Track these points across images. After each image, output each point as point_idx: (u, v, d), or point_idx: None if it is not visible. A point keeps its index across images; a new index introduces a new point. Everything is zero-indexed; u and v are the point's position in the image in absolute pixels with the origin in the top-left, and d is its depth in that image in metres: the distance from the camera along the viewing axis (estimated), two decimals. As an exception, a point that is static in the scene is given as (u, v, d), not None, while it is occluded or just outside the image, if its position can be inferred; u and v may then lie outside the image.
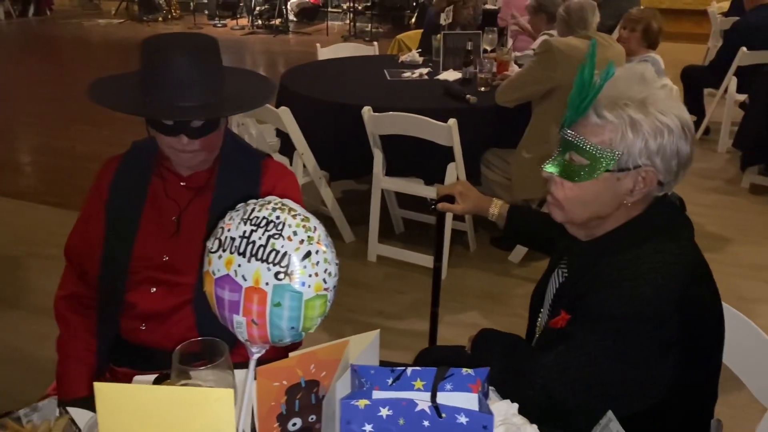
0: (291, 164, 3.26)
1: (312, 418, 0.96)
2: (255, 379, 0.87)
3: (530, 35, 4.35)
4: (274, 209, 0.86)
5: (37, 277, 3.20)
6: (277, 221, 0.85)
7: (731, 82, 4.82)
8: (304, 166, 3.26)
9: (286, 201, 0.88)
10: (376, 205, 3.29)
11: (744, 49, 4.62)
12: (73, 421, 1.05)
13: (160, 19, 11.40)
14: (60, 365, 1.53)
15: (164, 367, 1.41)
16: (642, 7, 4.39)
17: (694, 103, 4.98)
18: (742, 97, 4.80)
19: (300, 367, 0.91)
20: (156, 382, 1.15)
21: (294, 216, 0.86)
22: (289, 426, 0.94)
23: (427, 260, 3.30)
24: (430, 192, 3.23)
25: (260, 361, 0.90)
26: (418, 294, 3.15)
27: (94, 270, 1.52)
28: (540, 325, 1.40)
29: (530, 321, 1.47)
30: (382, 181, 3.23)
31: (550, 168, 1.21)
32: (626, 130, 1.11)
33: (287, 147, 3.31)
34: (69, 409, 1.08)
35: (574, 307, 1.19)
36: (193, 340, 0.98)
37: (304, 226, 0.85)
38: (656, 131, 1.11)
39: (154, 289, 1.47)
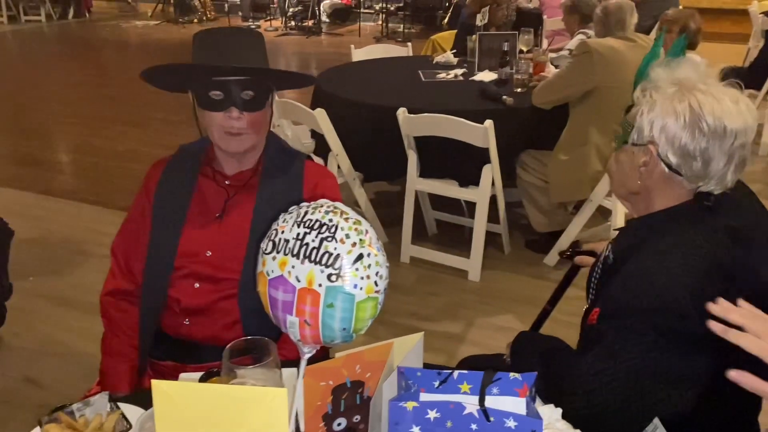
0: (326, 165, 3.29)
1: (356, 419, 0.97)
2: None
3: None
4: (326, 212, 0.87)
5: (83, 274, 3.25)
6: (330, 224, 0.86)
7: (774, 83, 4.71)
8: (339, 166, 3.28)
9: (338, 204, 0.89)
10: (410, 207, 3.30)
11: (788, 50, 4.51)
12: (124, 416, 1.08)
13: (196, 20, 11.58)
14: (103, 362, 1.56)
15: (206, 360, 1.44)
16: (680, 8, 4.29)
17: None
18: (786, 99, 4.68)
19: (346, 368, 0.92)
20: (203, 378, 1.17)
21: (346, 219, 0.87)
22: (334, 426, 0.95)
23: (459, 262, 3.30)
24: (464, 194, 3.22)
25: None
26: (451, 296, 3.15)
27: (140, 268, 1.55)
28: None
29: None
30: (416, 183, 3.23)
31: (614, 141, 1.35)
32: (645, 108, 1.21)
33: (322, 148, 3.33)
34: (120, 404, 1.11)
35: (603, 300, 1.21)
36: (241, 339, 1.00)
37: (356, 229, 0.87)
38: (666, 113, 1.18)
39: (198, 285, 1.50)
